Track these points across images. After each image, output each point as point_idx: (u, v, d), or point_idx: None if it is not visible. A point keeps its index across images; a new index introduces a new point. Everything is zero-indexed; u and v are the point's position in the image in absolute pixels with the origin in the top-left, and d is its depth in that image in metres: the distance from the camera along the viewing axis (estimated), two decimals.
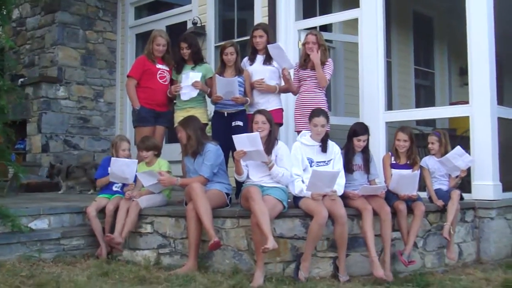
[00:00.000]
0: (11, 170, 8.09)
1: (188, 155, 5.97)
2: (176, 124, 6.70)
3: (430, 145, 6.02)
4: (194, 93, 6.69)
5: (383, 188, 5.55)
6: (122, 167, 6.13)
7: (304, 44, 6.55)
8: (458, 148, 5.85)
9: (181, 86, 6.68)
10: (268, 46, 6.47)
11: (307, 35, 6.63)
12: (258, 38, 6.61)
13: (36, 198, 7.71)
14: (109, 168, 6.19)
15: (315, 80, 6.41)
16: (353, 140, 5.71)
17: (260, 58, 6.66)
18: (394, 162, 5.92)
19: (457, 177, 5.97)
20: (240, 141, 5.38)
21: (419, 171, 5.79)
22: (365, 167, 5.80)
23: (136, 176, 6.19)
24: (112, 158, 6.26)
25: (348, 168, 5.70)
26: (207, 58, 7.51)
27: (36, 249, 5.72)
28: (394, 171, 5.74)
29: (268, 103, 6.53)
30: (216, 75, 6.52)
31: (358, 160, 5.79)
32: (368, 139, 5.77)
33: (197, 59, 6.89)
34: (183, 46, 6.81)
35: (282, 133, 7.03)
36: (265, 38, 6.59)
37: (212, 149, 5.85)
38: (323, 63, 6.41)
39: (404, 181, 5.54)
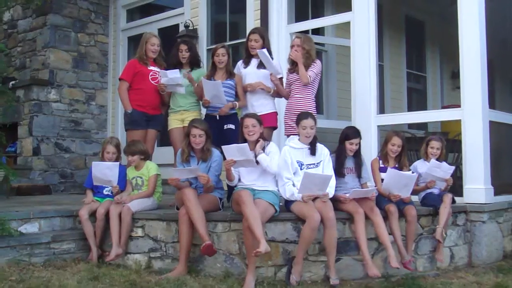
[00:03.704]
0: (2, 173, 8.04)
1: (195, 159, 5.86)
2: (171, 127, 6.71)
3: (435, 150, 6.00)
4: (181, 89, 6.70)
5: (373, 190, 5.55)
6: (104, 171, 6.12)
7: (291, 47, 6.53)
8: (432, 162, 5.88)
9: (166, 85, 6.68)
10: (258, 51, 6.46)
11: (293, 38, 6.63)
12: (253, 42, 6.60)
13: (26, 201, 7.66)
14: (92, 172, 6.18)
15: (304, 84, 6.39)
16: (345, 143, 5.71)
17: (254, 61, 6.66)
18: (382, 165, 5.93)
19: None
20: (230, 151, 5.38)
21: (416, 174, 5.80)
22: (357, 171, 5.80)
23: (123, 180, 6.21)
24: (93, 162, 6.27)
25: (340, 171, 5.70)
26: None
27: (26, 253, 5.68)
28: (390, 169, 5.71)
29: (262, 106, 6.54)
30: (202, 78, 6.52)
31: (349, 163, 5.79)
32: (360, 143, 5.77)
33: (195, 63, 6.90)
34: (182, 48, 6.84)
35: (275, 136, 7.01)
36: (261, 43, 6.59)
37: (219, 159, 5.81)
38: (308, 66, 6.37)
39: (400, 180, 5.54)
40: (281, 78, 6.64)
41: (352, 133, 5.75)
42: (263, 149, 5.57)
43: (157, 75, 6.86)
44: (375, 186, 5.81)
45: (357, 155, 5.82)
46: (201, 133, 5.75)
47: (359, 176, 5.81)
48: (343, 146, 5.73)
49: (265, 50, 6.42)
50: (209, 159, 5.80)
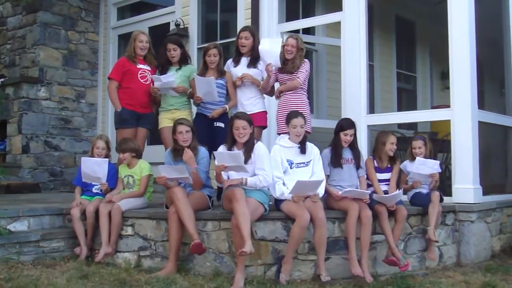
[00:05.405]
0: None
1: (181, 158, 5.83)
2: (161, 126, 6.69)
3: (417, 150, 6.03)
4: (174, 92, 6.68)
5: (367, 194, 5.55)
6: (93, 167, 6.09)
7: (283, 46, 6.52)
8: (418, 159, 5.90)
9: (159, 88, 6.65)
10: (260, 46, 6.43)
11: (287, 38, 6.63)
12: (244, 39, 6.60)
13: (16, 199, 7.63)
14: (81, 168, 6.15)
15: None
16: (340, 135, 5.75)
17: (244, 60, 6.65)
18: (376, 166, 5.96)
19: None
20: (222, 157, 5.37)
21: (401, 191, 5.82)
22: (355, 162, 5.85)
23: (113, 178, 6.19)
24: (82, 158, 6.24)
25: (338, 162, 5.74)
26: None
27: (15, 252, 5.66)
28: (375, 195, 5.70)
29: (252, 105, 6.54)
30: (195, 75, 6.51)
31: (347, 154, 5.83)
32: (355, 134, 5.81)
33: (183, 61, 6.88)
34: (170, 47, 6.78)
35: (265, 135, 7.02)
36: (251, 41, 6.58)
37: (207, 156, 5.86)
38: (299, 66, 6.38)
39: (389, 199, 5.57)
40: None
41: (347, 124, 5.80)
42: (251, 152, 5.56)
43: (146, 73, 6.84)
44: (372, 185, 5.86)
45: (354, 147, 5.87)
46: (188, 129, 5.77)
47: (357, 167, 5.86)
48: (338, 137, 5.77)
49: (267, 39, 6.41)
50: (196, 157, 5.80)
